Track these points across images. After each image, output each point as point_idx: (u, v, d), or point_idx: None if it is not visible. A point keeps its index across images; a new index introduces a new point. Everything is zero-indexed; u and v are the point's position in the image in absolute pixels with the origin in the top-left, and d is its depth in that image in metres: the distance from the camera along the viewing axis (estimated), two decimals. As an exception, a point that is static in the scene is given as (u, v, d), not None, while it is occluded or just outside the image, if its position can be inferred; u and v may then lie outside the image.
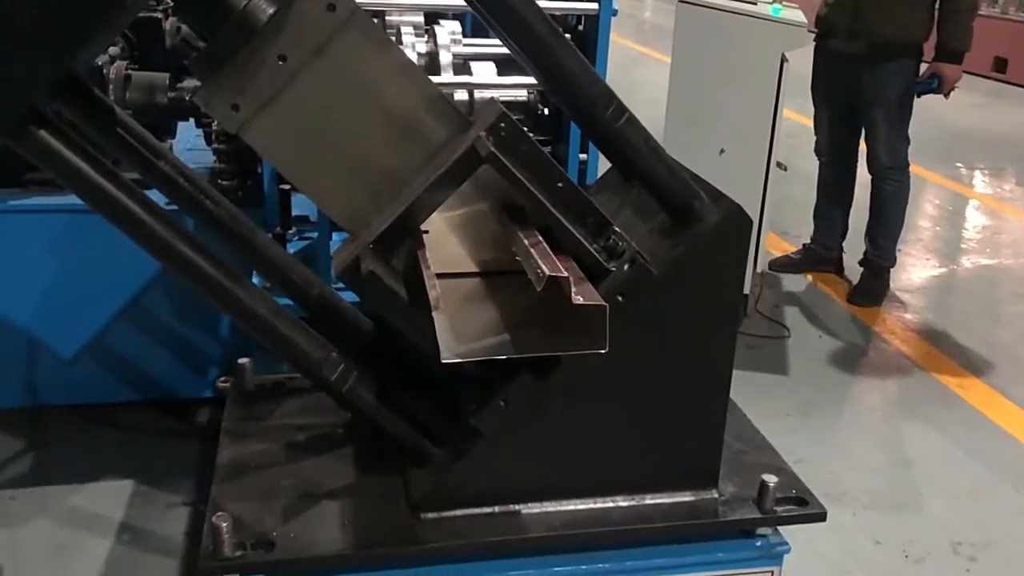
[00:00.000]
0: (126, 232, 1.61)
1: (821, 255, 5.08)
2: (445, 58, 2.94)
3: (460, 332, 1.58)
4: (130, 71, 3.12)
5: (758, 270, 4.32)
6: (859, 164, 4.86)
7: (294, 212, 3.25)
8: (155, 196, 1.73)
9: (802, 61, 4.20)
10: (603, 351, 1.51)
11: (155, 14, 3.41)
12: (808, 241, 5.15)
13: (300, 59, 1.50)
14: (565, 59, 1.60)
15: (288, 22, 1.48)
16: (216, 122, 3.01)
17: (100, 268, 3.04)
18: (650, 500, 1.83)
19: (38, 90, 1.47)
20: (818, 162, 4.99)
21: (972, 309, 4.83)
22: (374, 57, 1.55)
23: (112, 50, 3.16)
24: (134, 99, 3.08)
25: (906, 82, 4.49)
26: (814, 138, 4.93)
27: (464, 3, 1.63)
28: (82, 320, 3.17)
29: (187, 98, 3.16)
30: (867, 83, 4.48)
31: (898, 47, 4.41)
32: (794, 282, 5.08)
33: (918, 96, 4.55)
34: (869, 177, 4.74)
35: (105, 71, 3.00)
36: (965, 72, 4.58)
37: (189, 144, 3.70)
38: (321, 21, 1.50)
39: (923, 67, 4.55)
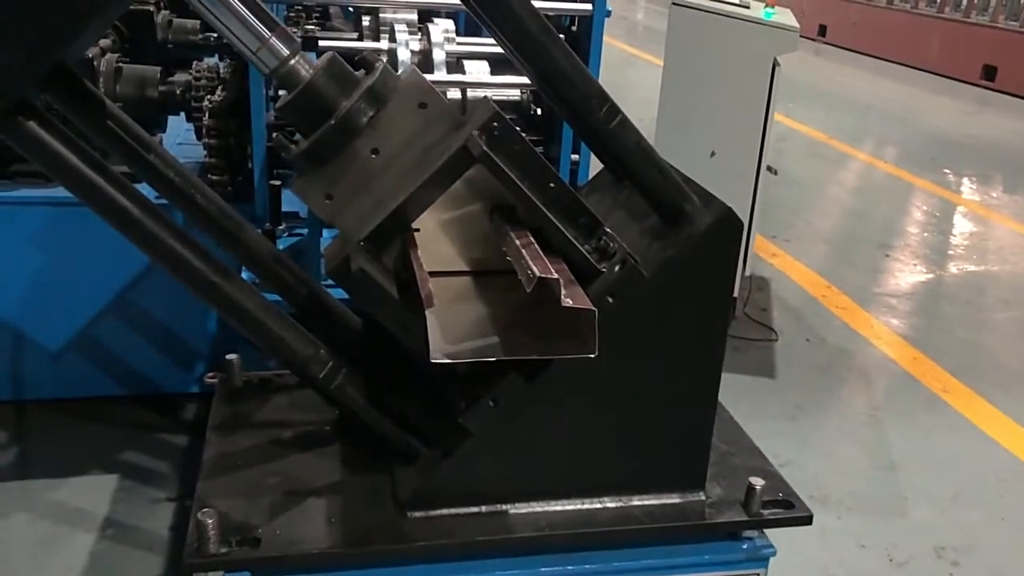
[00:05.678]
0: (113, 225, 1.60)
1: None
2: (438, 56, 2.93)
3: (450, 332, 1.58)
4: (121, 64, 3.10)
5: (746, 273, 4.33)
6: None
7: (284, 208, 3.24)
8: (144, 190, 1.73)
9: (793, 65, 4.21)
10: (592, 355, 1.51)
11: (147, 7, 3.40)
12: None
13: (391, 151, 1.58)
14: (559, 59, 1.60)
15: (383, 121, 1.56)
16: (205, 119, 3.01)
17: (87, 261, 3.03)
18: (637, 501, 1.83)
19: (28, 81, 1.46)
20: None
21: (958, 315, 4.85)
22: (451, 138, 1.60)
23: (103, 42, 3.14)
24: (125, 92, 3.07)
25: None
26: None
27: (458, 1, 1.63)
28: (68, 314, 3.15)
29: (177, 92, 3.14)
30: None
31: None
32: (782, 286, 5.09)
33: None
34: None
35: (96, 63, 2.98)
36: (953, 79, 4.40)
37: (179, 138, 3.68)
38: (414, 118, 1.58)
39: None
